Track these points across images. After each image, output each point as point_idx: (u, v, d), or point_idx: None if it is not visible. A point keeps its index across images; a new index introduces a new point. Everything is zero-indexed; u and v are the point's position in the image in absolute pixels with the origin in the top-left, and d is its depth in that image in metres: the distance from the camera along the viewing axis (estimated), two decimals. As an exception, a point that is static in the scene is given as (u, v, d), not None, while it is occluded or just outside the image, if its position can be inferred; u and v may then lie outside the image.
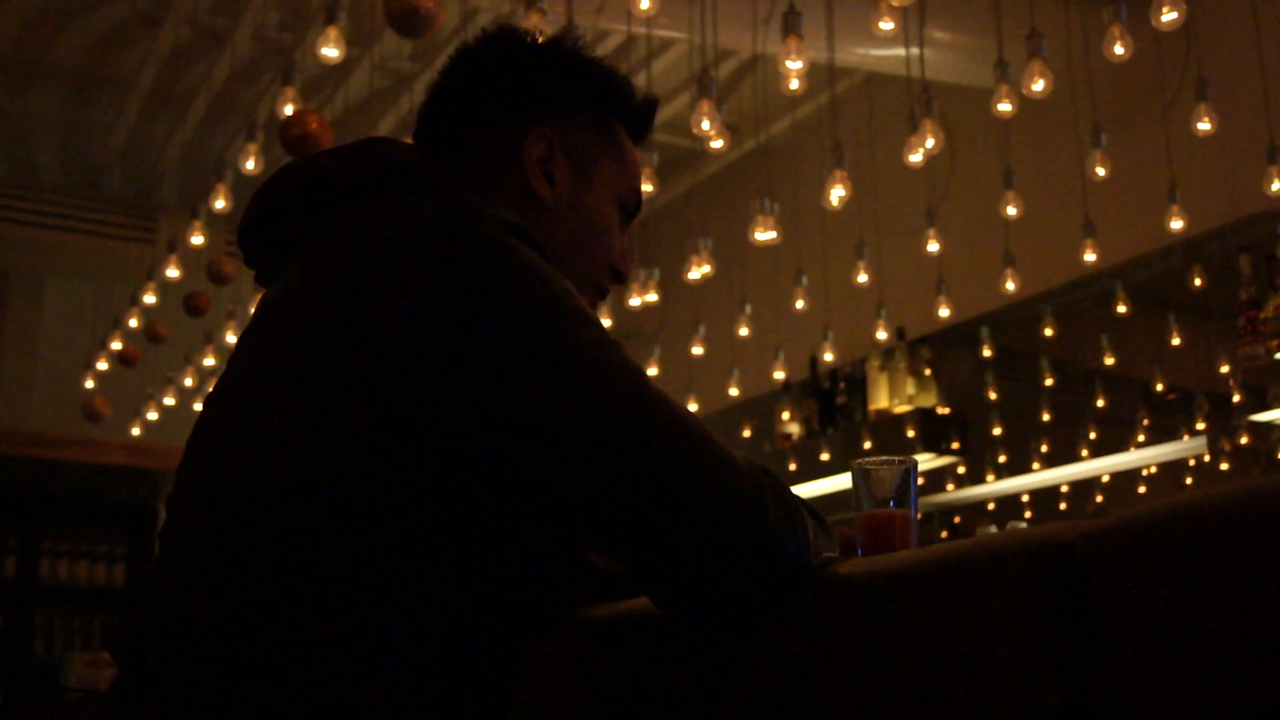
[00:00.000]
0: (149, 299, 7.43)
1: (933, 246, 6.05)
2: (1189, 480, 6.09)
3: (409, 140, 1.79)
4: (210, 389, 1.63)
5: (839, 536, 1.69)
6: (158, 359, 8.32)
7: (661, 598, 1.45)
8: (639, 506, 1.34)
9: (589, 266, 1.77)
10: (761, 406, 8.13)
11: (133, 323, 7.73)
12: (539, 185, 1.71)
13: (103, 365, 8.32)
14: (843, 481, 7.33)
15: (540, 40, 1.82)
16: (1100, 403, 6.77)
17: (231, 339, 7.11)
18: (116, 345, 8.04)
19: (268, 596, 1.35)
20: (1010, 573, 1.18)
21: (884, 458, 1.70)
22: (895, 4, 4.18)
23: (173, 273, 6.94)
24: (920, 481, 6.95)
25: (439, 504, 1.39)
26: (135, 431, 8.76)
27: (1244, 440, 5.71)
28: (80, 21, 7.41)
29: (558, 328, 1.38)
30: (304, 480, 1.37)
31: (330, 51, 4.50)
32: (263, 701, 1.32)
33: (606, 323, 6.94)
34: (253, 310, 1.69)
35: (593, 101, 1.80)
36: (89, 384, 8.43)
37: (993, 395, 7.15)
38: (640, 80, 7.13)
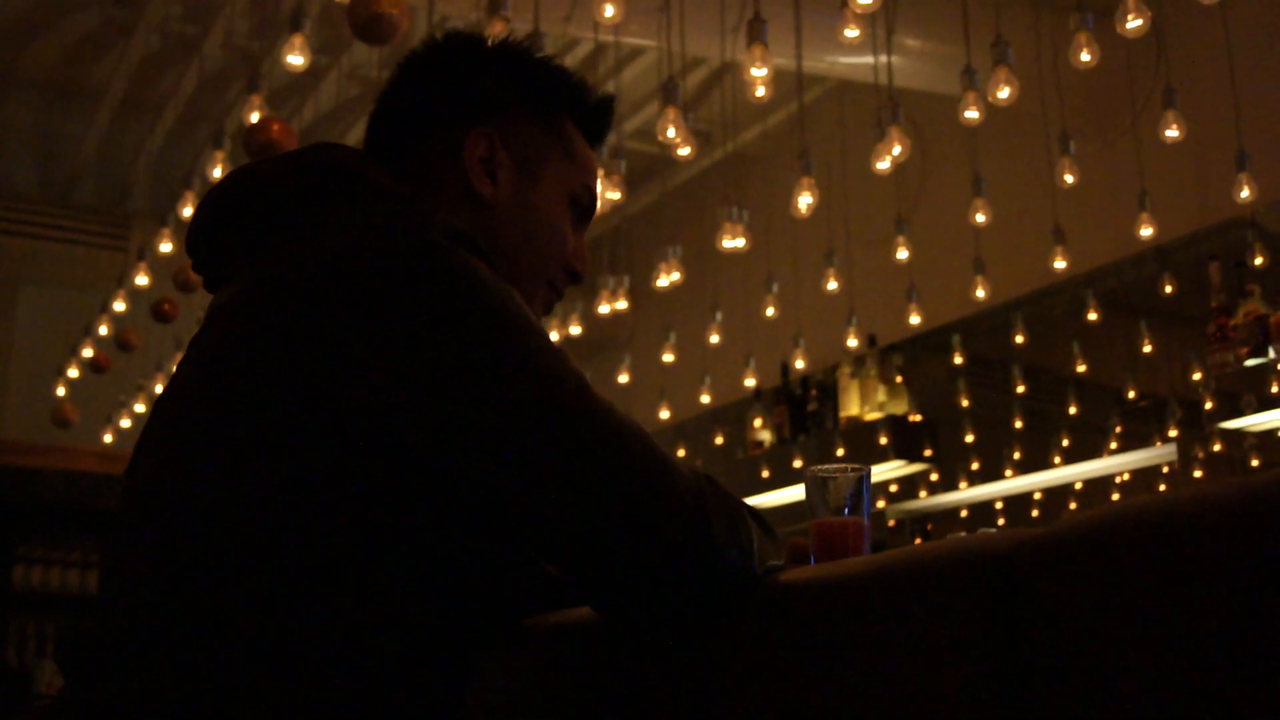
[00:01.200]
0: (119, 306, 7.40)
1: (903, 254, 6.06)
2: (1162, 487, 6.10)
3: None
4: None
5: (791, 544, 1.69)
6: (129, 366, 8.30)
7: (604, 605, 1.45)
8: (580, 515, 1.34)
9: (541, 264, 1.76)
10: (733, 414, 8.14)
11: (104, 330, 7.71)
12: (480, 184, 1.70)
13: (74, 373, 8.30)
14: (815, 489, 7.37)
15: (490, 44, 1.81)
16: (1072, 410, 6.78)
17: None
18: (88, 353, 8.01)
19: (214, 605, 1.34)
20: (947, 581, 1.18)
21: (838, 465, 1.70)
22: (859, 11, 4.18)
23: (142, 280, 6.91)
24: (893, 489, 6.97)
25: (386, 512, 1.38)
26: (107, 439, 8.74)
27: (1216, 447, 5.73)
28: (52, 30, 7.40)
29: (499, 337, 1.37)
30: (251, 490, 1.36)
31: (296, 59, 4.50)
32: (209, 710, 1.31)
33: (576, 330, 6.96)
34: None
35: (541, 100, 1.78)
36: (60, 391, 8.40)
37: (964, 402, 7.16)
38: (609, 89, 7.14)
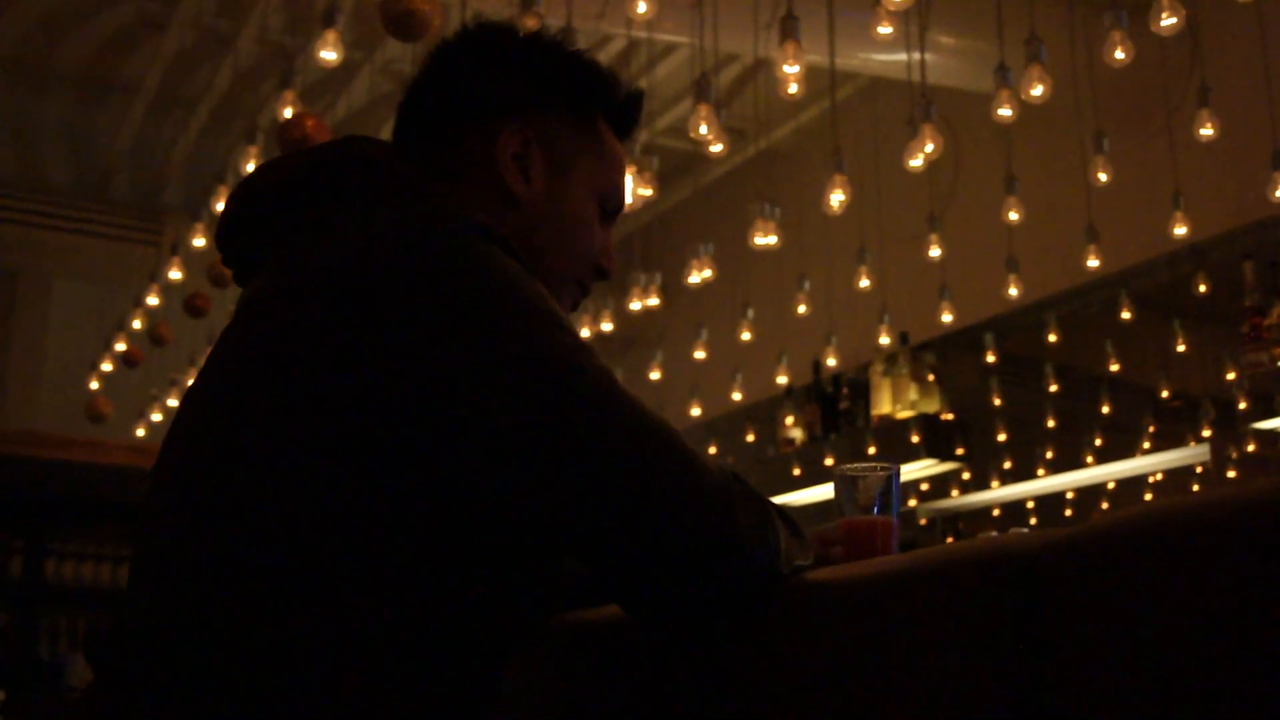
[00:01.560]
0: (152, 301, 7.43)
1: (935, 252, 6.05)
2: (1195, 487, 6.08)
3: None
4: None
5: (817, 537, 1.68)
6: (162, 360, 8.33)
7: (630, 603, 1.45)
8: (607, 512, 1.33)
9: (569, 263, 1.74)
10: (764, 411, 8.12)
11: (136, 324, 7.74)
12: (513, 181, 1.67)
13: (107, 366, 8.33)
14: (846, 487, 7.37)
15: (521, 36, 1.79)
16: (1105, 409, 6.76)
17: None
18: (121, 347, 8.04)
19: (242, 604, 1.33)
20: (973, 582, 1.18)
21: (867, 464, 1.70)
22: (892, 8, 4.16)
23: (175, 275, 6.94)
24: (924, 488, 6.95)
25: (413, 511, 1.36)
26: (140, 433, 8.77)
27: (1250, 447, 5.70)
28: (87, 25, 7.43)
29: (528, 333, 1.36)
30: (278, 490, 1.35)
31: (329, 55, 4.50)
32: (235, 709, 1.31)
33: (608, 327, 6.96)
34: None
35: (572, 96, 1.76)
36: (94, 385, 8.44)
37: (997, 401, 7.14)
38: (642, 85, 7.13)
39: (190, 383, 1.66)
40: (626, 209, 5.17)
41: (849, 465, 1.71)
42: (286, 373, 1.38)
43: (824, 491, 7.50)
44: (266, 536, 1.34)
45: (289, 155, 1.66)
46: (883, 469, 1.70)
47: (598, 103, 1.79)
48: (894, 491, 1.71)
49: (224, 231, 1.67)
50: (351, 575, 1.34)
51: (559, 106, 1.74)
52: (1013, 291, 6.08)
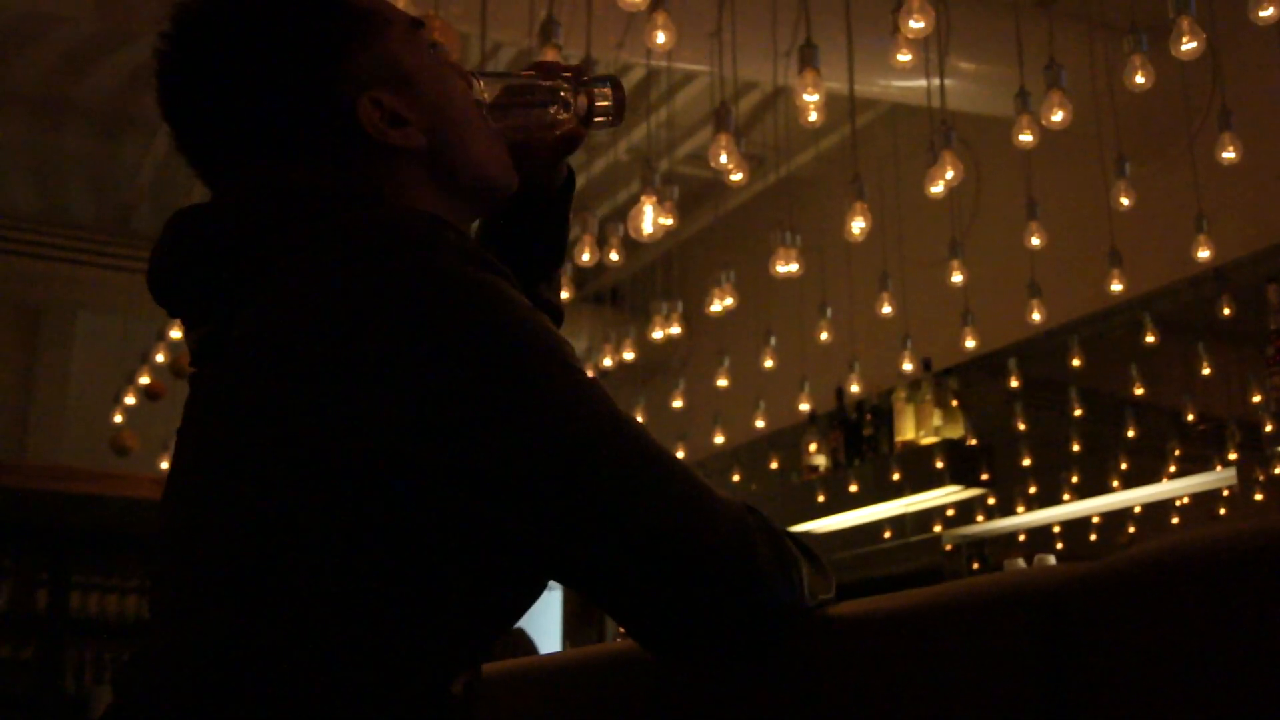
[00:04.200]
0: (175, 334, 7.45)
1: (958, 277, 6.04)
2: (1222, 511, 6.05)
3: None
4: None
5: None
6: (184, 393, 8.33)
7: (649, 642, 1.43)
8: (620, 548, 1.30)
9: (487, 164, 1.63)
10: (788, 439, 8.11)
11: (160, 357, 7.76)
12: (403, 138, 1.56)
13: (131, 400, 8.36)
14: (871, 513, 7.35)
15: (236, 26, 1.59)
16: (1131, 433, 6.73)
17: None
18: (144, 380, 8.07)
19: (245, 632, 1.32)
20: (996, 617, 1.16)
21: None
22: (911, 35, 4.16)
23: (198, 309, 6.95)
24: (950, 514, 6.94)
25: (414, 548, 1.32)
26: (164, 465, 8.78)
27: (1277, 470, 5.67)
28: (108, 60, 7.48)
29: (522, 370, 1.31)
30: (273, 527, 1.33)
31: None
32: None
33: (629, 356, 6.96)
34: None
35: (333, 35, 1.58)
36: (118, 418, 8.46)
37: (1021, 426, 7.12)
38: (662, 114, 7.15)
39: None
40: (646, 238, 5.14)
41: None
42: (279, 432, 1.34)
43: (849, 519, 7.50)
44: (271, 574, 1.32)
45: (199, 206, 1.55)
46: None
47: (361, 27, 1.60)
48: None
49: (155, 287, 1.57)
50: (351, 608, 1.31)
51: (347, 43, 1.58)
52: (1036, 316, 6.06)
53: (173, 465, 1.53)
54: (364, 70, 1.56)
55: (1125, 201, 5.39)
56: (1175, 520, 6.38)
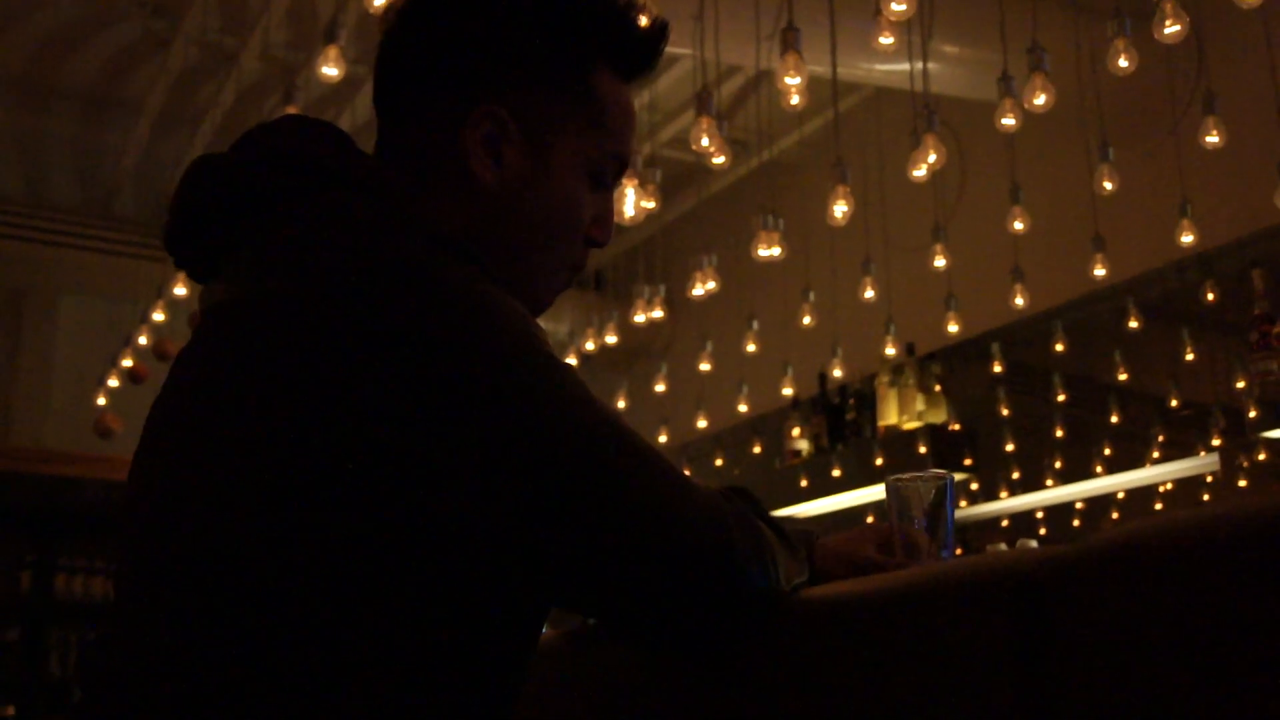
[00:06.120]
0: (158, 317, 7.42)
1: (941, 262, 6.03)
2: (1205, 496, 6.06)
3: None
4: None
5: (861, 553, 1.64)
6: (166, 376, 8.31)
7: (628, 633, 1.42)
8: (595, 537, 1.28)
9: (555, 247, 1.59)
10: (771, 423, 8.11)
11: (142, 340, 7.73)
12: (481, 169, 1.53)
13: (114, 383, 8.33)
14: (853, 498, 7.35)
15: None
16: (1114, 418, 6.74)
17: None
18: (127, 363, 8.04)
19: (225, 626, 1.28)
20: (973, 600, 1.16)
21: (916, 474, 1.65)
22: (894, 18, 4.15)
23: (180, 291, 6.93)
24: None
25: (394, 544, 1.29)
26: (145, 448, 8.77)
27: (1261, 456, 5.68)
28: (91, 42, 7.45)
29: (494, 362, 1.29)
30: (253, 524, 1.29)
31: (330, 70, 4.50)
32: None
33: (612, 339, 6.94)
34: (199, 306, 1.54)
35: (563, 53, 1.58)
36: (101, 401, 8.44)
37: (1004, 411, 7.12)
38: (644, 97, 7.13)
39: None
40: (628, 221, 5.12)
41: (901, 475, 1.66)
42: (258, 411, 1.32)
43: (832, 503, 7.49)
44: (249, 557, 1.29)
45: (230, 152, 1.53)
46: (936, 476, 1.65)
47: (594, 53, 1.60)
48: (947, 501, 1.66)
49: (172, 238, 1.55)
50: (339, 612, 1.28)
51: (545, 69, 1.57)
52: (1019, 301, 6.06)
53: (145, 444, 1.49)
54: (522, 86, 1.55)
55: (1109, 186, 5.38)
56: (1159, 506, 6.39)
